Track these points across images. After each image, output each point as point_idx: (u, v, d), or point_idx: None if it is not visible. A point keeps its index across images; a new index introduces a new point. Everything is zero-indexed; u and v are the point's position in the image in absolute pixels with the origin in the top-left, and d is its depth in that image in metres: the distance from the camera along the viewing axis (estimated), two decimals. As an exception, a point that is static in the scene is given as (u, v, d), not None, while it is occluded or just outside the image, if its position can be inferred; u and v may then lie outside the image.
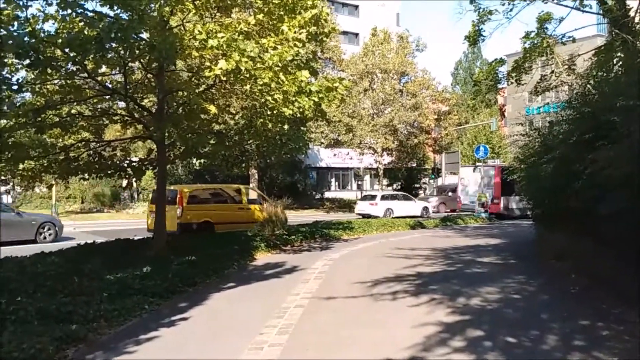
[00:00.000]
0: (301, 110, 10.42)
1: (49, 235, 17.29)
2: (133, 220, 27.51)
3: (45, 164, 11.92)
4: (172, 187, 17.69)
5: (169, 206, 14.54)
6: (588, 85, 9.57)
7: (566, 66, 17.03)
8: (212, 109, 11.00)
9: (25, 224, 16.94)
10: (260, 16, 10.34)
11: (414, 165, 45.19)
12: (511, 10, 16.47)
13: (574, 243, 9.72)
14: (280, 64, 9.44)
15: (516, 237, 16.87)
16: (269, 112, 10.90)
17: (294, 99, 10.20)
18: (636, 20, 14.12)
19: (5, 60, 8.66)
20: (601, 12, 16.22)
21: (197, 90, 11.59)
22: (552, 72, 17.75)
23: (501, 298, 7.71)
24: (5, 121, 10.69)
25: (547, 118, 16.76)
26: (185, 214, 16.27)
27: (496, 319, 6.56)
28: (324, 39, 12.51)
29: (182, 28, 10.41)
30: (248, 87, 10.07)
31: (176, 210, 16.14)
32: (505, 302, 7.46)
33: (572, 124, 9.25)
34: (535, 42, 16.64)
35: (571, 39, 17.01)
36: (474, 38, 17.61)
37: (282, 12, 10.43)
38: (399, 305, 7.43)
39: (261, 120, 11.73)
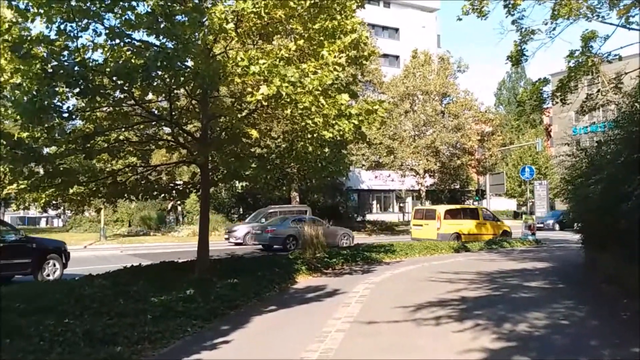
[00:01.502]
0: (341, 133, 10.46)
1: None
2: (178, 243, 27.99)
3: (94, 189, 12.29)
4: (432, 207, 25.00)
5: (430, 221, 22.76)
6: (636, 104, 9.30)
7: (612, 85, 16.61)
8: (254, 133, 11.17)
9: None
10: (300, 42, 10.50)
11: (457, 186, 44.58)
12: (554, 29, 16.22)
13: (624, 266, 9.37)
14: (320, 88, 9.53)
15: (564, 260, 16.35)
16: (309, 136, 10.99)
17: (334, 122, 10.26)
18: (686, 36, 13.71)
19: (56, 89, 9.03)
20: (648, 29, 15.81)
21: (239, 115, 11.81)
22: (599, 91, 17.33)
23: (549, 324, 7.46)
24: (56, 147, 11.12)
25: (595, 138, 16.33)
26: (442, 227, 22.28)
27: (544, 345, 6.35)
28: (364, 62, 12.60)
29: (225, 55, 10.65)
30: (289, 111, 10.19)
31: (436, 224, 22.41)
32: (553, 328, 7.22)
33: (620, 143, 8.99)
34: (580, 60, 16.30)
35: (617, 57, 16.60)
36: (517, 58, 17.39)
37: (322, 38, 10.56)
38: (442, 331, 7.28)
39: (302, 143, 11.84)
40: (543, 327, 7.25)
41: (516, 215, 52.40)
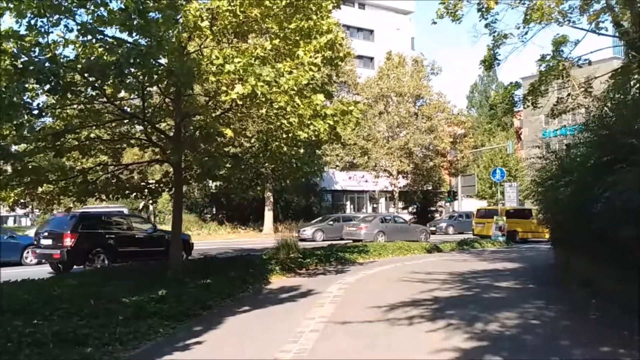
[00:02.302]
0: (316, 133, 10.47)
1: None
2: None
3: (64, 187, 12.06)
4: (493, 207, 28.17)
5: (490, 219, 25.91)
6: (605, 108, 9.49)
7: (582, 89, 16.96)
8: (228, 132, 11.08)
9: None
10: (276, 41, 10.47)
11: (430, 188, 45.00)
12: (526, 33, 16.52)
13: (593, 267, 9.56)
14: (295, 88, 9.52)
15: (534, 261, 16.63)
16: (284, 136, 10.97)
17: (309, 122, 10.26)
18: (653, 42, 14.06)
19: (26, 85, 8.82)
20: (617, 34, 16.20)
21: (213, 114, 11.71)
22: (569, 94, 17.69)
23: (520, 324, 7.57)
24: (25, 145, 10.87)
25: (564, 141, 16.65)
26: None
27: (515, 345, 6.44)
28: (339, 63, 12.62)
29: (200, 53, 10.56)
30: (264, 110, 10.16)
31: (499, 221, 24.92)
32: (524, 328, 7.32)
33: (590, 146, 9.16)
34: (551, 65, 16.62)
35: (587, 61, 16.97)
36: (490, 62, 17.64)
37: (297, 37, 10.55)
38: (415, 331, 7.33)
39: (276, 143, 11.80)
40: (514, 327, 7.35)
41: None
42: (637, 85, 13.16)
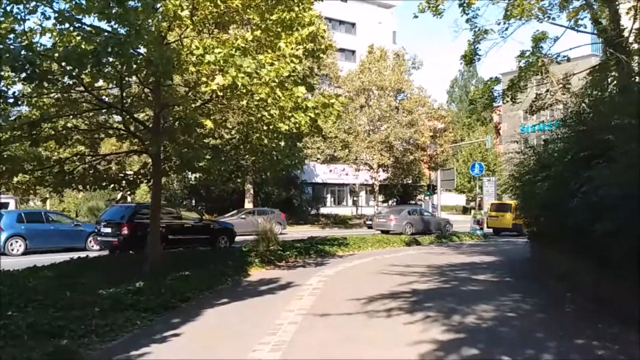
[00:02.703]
0: (297, 125, 10.43)
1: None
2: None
3: (40, 177, 11.87)
4: (508, 201, 27.08)
5: (504, 213, 27.34)
6: (583, 104, 9.61)
7: (561, 85, 17.16)
8: (208, 123, 11.00)
9: None
10: (257, 32, 10.39)
11: (410, 181, 45.22)
12: (506, 29, 16.61)
13: (569, 261, 9.70)
14: (276, 80, 9.47)
15: (511, 255, 16.84)
16: (265, 128, 10.92)
17: (290, 114, 10.21)
18: (630, 40, 14.25)
19: (2, 73, 8.64)
20: (596, 32, 16.38)
21: (193, 105, 11.60)
22: (547, 90, 17.87)
23: (496, 316, 7.66)
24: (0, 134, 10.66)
25: (542, 136, 16.84)
26: (516, 219, 23.31)
27: (491, 337, 6.51)
28: (321, 55, 12.59)
29: (180, 43, 10.43)
30: (244, 102, 10.09)
31: (511, 215, 25.65)
32: (501, 321, 7.41)
33: (567, 142, 9.28)
34: (531, 61, 16.75)
35: (566, 58, 17.16)
36: (470, 57, 17.73)
37: (279, 29, 10.49)
38: (393, 323, 7.38)
39: (257, 135, 11.75)
40: (491, 320, 7.44)
41: (465, 211, 53.62)
42: (615, 82, 13.33)
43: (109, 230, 16.51)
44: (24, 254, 17.06)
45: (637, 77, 13.13)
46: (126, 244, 15.65)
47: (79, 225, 19.72)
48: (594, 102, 9.38)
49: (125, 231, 15.81)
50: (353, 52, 48.26)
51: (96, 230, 17.69)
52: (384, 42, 42.36)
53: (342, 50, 44.14)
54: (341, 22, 49.60)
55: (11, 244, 17.24)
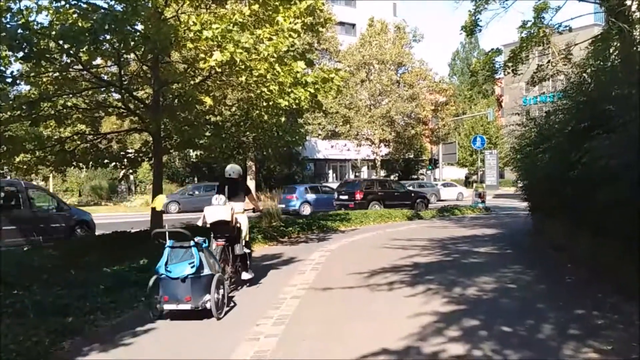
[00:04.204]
0: (297, 101, 10.40)
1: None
2: (131, 213, 27.50)
3: (41, 157, 11.89)
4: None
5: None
6: (584, 75, 9.53)
7: (562, 56, 17.01)
8: (208, 100, 10.97)
9: None
10: (255, 7, 10.30)
11: (411, 156, 45.19)
12: (508, -1, 16.43)
13: (570, 232, 9.74)
14: (275, 55, 9.41)
15: (512, 227, 16.89)
16: (264, 104, 10.88)
17: (289, 90, 10.17)
18: (633, 9, 14.09)
19: (-1, 52, 8.61)
20: (598, 1, 16.19)
21: (192, 82, 11.55)
22: (549, 61, 17.74)
23: (497, 288, 7.72)
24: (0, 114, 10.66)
25: (544, 108, 16.76)
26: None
27: (492, 308, 6.57)
28: (320, 29, 12.52)
29: (177, 19, 10.36)
30: (243, 78, 10.03)
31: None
32: (501, 292, 7.47)
33: (568, 113, 9.22)
34: (532, 31, 16.61)
35: (568, 28, 16.99)
36: (471, 28, 17.57)
37: (277, 3, 10.37)
38: (395, 296, 7.44)
39: (257, 111, 11.72)
40: (491, 291, 7.50)
41: (467, 183, 53.67)
42: (616, 51, 13.22)
43: (345, 197, 24.69)
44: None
45: (639, 47, 13.00)
46: (359, 206, 23.21)
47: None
48: (596, 73, 9.29)
49: (357, 197, 24.10)
50: (353, 25, 47.78)
51: (335, 197, 25.38)
52: (385, 15, 41.95)
53: (342, 23, 43.73)
54: (341, -5, 49.04)
55: None
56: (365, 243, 13.48)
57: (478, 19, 17.26)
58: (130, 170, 14.90)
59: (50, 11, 9.54)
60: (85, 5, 9.04)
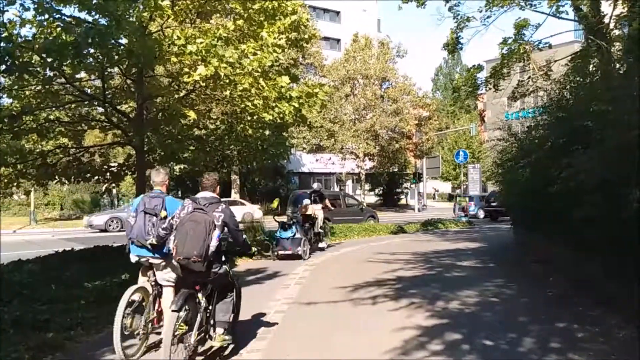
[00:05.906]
0: (281, 115, 10.44)
1: None
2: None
3: (23, 170, 11.77)
4: None
5: None
6: (564, 91, 9.71)
7: (542, 72, 17.29)
8: (192, 114, 10.95)
9: None
10: (240, 22, 10.36)
11: (396, 170, 45.43)
12: (489, 17, 16.71)
13: (551, 246, 9.85)
14: (259, 70, 9.45)
15: (495, 241, 17.02)
16: (249, 118, 10.91)
17: (274, 104, 10.21)
18: (611, 26, 14.39)
19: (-20, 65, 8.53)
20: (577, 18, 16.51)
21: (176, 96, 11.54)
22: (529, 77, 18.00)
23: (480, 301, 7.77)
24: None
25: (525, 123, 17.00)
26: None
27: (474, 322, 6.62)
28: (305, 44, 12.58)
29: (161, 34, 10.38)
30: (228, 92, 10.05)
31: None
32: (484, 306, 7.52)
33: (548, 128, 9.38)
34: (513, 48, 16.86)
35: (547, 44, 17.28)
36: (453, 46, 17.83)
37: (261, 18, 10.45)
38: (378, 310, 7.46)
39: (241, 125, 11.73)
40: (474, 305, 7.55)
41: (451, 198, 53.97)
42: (595, 68, 13.47)
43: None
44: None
45: (617, 64, 13.28)
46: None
47: None
48: (575, 89, 9.47)
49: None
50: (338, 40, 48.20)
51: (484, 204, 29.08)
52: (369, 31, 42.38)
53: (326, 38, 44.09)
54: (326, 11, 49.50)
55: None
56: (350, 257, 13.49)
57: (460, 36, 17.53)
58: (114, 184, 14.78)
59: (34, 24, 9.50)
60: (69, 19, 9.02)
